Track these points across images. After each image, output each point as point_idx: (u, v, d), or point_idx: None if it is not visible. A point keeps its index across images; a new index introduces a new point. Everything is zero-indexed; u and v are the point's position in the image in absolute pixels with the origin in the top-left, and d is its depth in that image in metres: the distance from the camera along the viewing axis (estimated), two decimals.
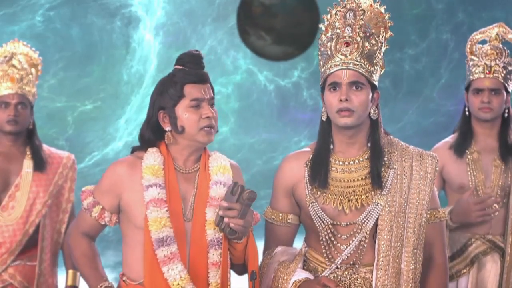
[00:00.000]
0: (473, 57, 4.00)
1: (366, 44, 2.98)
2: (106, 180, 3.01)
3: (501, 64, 3.93)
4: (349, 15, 3.01)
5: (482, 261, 3.95)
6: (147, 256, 2.91)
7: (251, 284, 2.88)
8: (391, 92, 9.18)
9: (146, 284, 2.91)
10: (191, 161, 3.03)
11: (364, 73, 2.97)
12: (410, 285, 3.00)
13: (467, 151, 3.98)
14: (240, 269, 3.08)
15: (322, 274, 3.02)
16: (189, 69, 2.98)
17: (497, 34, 4.03)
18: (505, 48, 3.99)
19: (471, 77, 3.97)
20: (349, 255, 3.02)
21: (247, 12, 8.70)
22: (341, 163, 3.05)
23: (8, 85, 4.06)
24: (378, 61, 3.02)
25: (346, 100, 2.95)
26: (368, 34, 3.00)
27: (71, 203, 4.25)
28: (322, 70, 3.04)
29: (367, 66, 2.98)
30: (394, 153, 3.08)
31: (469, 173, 3.96)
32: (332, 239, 3.03)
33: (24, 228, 4.08)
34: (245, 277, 3.03)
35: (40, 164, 4.12)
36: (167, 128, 2.98)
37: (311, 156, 3.09)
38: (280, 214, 3.14)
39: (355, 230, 3.02)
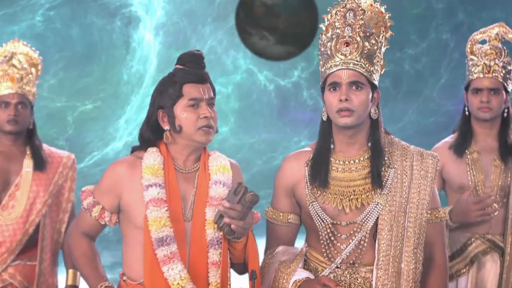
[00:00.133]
0: (472, 57, 4.00)
1: (366, 44, 2.98)
2: (106, 180, 3.01)
3: (501, 64, 3.93)
4: (349, 15, 3.01)
5: (481, 260, 3.95)
6: (147, 256, 2.91)
7: (251, 284, 2.88)
8: (391, 92, 9.19)
9: (146, 284, 2.91)
10: (190, 161, 3.03)
11: (364, 73, 2.97)
12: (410, 284, 3.00)
13: (466, 151, 3.98)
14: (241, 269, 3.08)
15: (322, 274, 3.02)
16: (189, 69, 2.98)
17: (497, 34, 4.03)
18: (504, 48, 3.99)
19: (470, 76, 3.98)
20: (349, 254, 3.02)
21: (247, 12, 8.70)
22: (341, 162, 3.06)
23: (8, 85, 4.06)
24: (378, 61, 3.02)
25: (346, 100, 2.94)
26: (368, 34, 3.00)
27: (71, 202, 4.25)
28: (322, 70, 3.04)
29: (367, 66, 2.98)
30: (394, 152, 3.08)
31: (469, 173, 3.96)
32: (332, 238, 3.03)
33: (24, 227, 4.09)
34: (245, 277, 3.03)
35: (40, 163, 4.12)
36: (166, 127, 2.99)
37: (311, 155, 3.09)
38: (281, 214, 3.14)
39: (355, 229, 3.02)
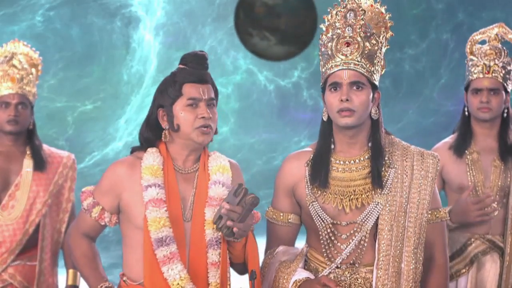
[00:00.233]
0: (472, 57, 4.00)
1: (367, 44, 2.98)
2: (106, 180, 3.02)
3: (500, 64, 3.93)
4: (350, 15, 3.01)
5: (481, 260, 3.95)
6: (147, 256, 2.91)
7: (251, 284, 2.88)
8: (391, 92, 9.19)
9: (146, 284, 2.92)
10: (190, 161, 3.04)
11: (365, 73, 2.97)
12: (411, 284, 3.00)
13: (466, 151, 3.98)
14: (241, 269, 3.08)
15: (322, 274, 3.02)
16: (191, 69, 2.99)
17: (496, 34, 4.03)
18: (504, 48, 3.99)
19: (470, 77, 3.98)
20: (349, 254, 3.02)
21: (247, 12, 8.70)
22: (341, 162, 3.06)
23: (9, 85, 4.06)
24: (378, 61, 3.02)
25: (347, 100, 2.95)
26: (368, 34, 3.00)
27: (71, 202, 4.25)
28: (323, 70, 3.04)
29: (367, 66, 2.98)
30: (395, 152, 3.08)
31: (468, 173, 3.96)
32: (332, 238, 3.03)
33: (24, 227, 4.09)
34: (245, 277, 3.03)
35: (40, 163, 4.12)
36: (165, 125, 2.99)
37: (311, 155, 3.09)
38: (281, 214, 3.14)
39: (355, 229, 3.02)
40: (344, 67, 2.97)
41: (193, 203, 3.00)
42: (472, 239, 3.96)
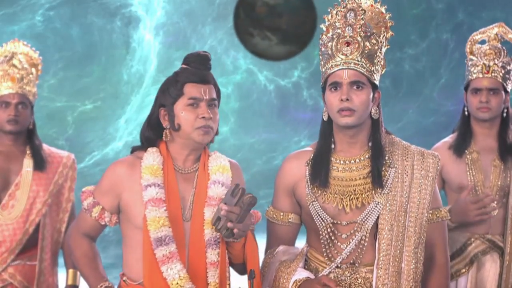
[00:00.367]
0: (472, 57, 4.00)
1: (367, 43, 2.99)
2: (106, 180, 3.02)
3: (500, 64, 3.93)
4: (350, 15, 3.01)
5: (481, 260, 3.95)
6: (146, 256, 2.91)
7: (249, 283, 2.88)
8: (391, 92, 9.19)
9: (145, 283, 2.92)
10: (190, 161, 3.04)
11: (365, 73, 2.97)
12: (411, 284, 3.00)
13: (466, 151, 3.98)
14: (241, 269, 3.08)
15: (322, 273, 3.02)
16: (193, 69, 2.99)
17: (496, 34, 4.03)
18: (504, 48, 3.98)
19: (469, 77, 3.98)
20: (349, 254, 3.02)
21: (248, 13, 8.70)
22: (342, 162, 3.06)
23: (9, 85, 4.07)
24: (379, 61, 3.02)
25: (347, 99, 2.95)
26: (368, 33, 3.00)
27: (71, 202, 4.25)
28: (323, 70, 3.04)
29: (368, 65, 2.98)
30: (395, 152, 3.08)
31: (468, 173, 3.96)
32: (333, 238, 3.03)
33: (24, 227, 4.09)
34: (245, 277, 3.02)
35: (40, 163, 4.13)
36: (166, 125, 2.99)
37: (312, 155, 3.09)
38: (282, 214, 3.14)
39: (355, 229, 3.02)
40: (344, 67, 2.97)
41: (193, 203, 3.00)
42: (472, 239, 3.96)
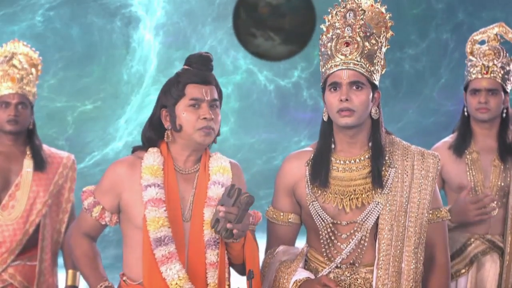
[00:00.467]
0: (471, 57, 4.00)
1: (366, 44, 2.99)
2: (106, 180, 3.02)
3: (499, 65, 3.93)
4: (349, 15, 3.01)
5: (481, 261, 3.95)
6: (146, 256, 2.91)
7: (248, 283, 2.88)
8: (391, 92, 9.19)
9: (145, 283, 2.92)
10: (191, 162, 3.04)
11: (364, 73, 2.97)
12: (411, 284, 3.00)
13: (466, 151, 3.98)
14: (241, 269, 3.08)
15: (322, 273, 3.02)
16: (194, 70, 2.99)
17: (496, 34, 4.03)
18: (503, 48, 3.98)
19: (468, 77, 3.98)
20: (349, 254, 3.02)
21: (250, 13, 8.69)
22: (342, 162, 3.06)
23: (9, 85, 4.07)
24: (378, 61, 3.02)
25: (347, 100, 2.95)
26: (368, 34, 3.00)
27: (71, 203, 4.26)
28: (323, 70, 3.04)
29: (367, 66, 2.98)
30: (395, 152, 3.08)
31: (468, 173, 3.96)
32: (332, 238, 3.03)
33: (24, 227, 4.09)
34: (245, 277, 3.02)
35: (40, 163, 4.13)
36: (167, 125, 2.99)
37: (312, 155, 3.09)
38: (282, 214, 3.15)
39: (355, 229, 3.02)
40: (344, 67, 2.97)
41: (193, 203, 3.00)
42: (472, 239, 3.96)
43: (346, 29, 3.00)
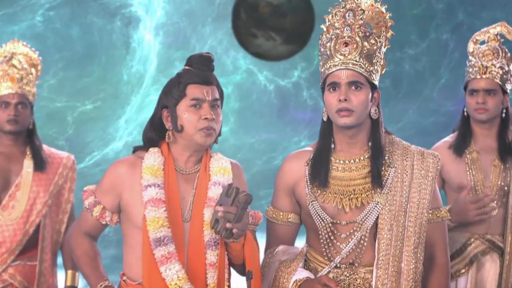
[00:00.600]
0: (471, 57, 4.00)
1: (365, 43, 2.98)
2: (107, 179, 3.02)
3: (498, 65, 3.93)
4: (349, 15, 3.01)
5: (481, 261, 3.95)
6: (145, 256, 2.91)
7: (248, 284, 2.88)
8: (391, 92, 9.18)
9: (144, 283, 2.92)
10: (191, 162, 3.04)
11: (363, 73, 2.97)
12: (411, 284, 3.00)
13: (466, 150, 3.98)
14: (242, 269, 3.08)
15: (321, 273, 3.02)
16: (195, 70, 2.99)
17: (496, 34, 4.02)
18: (503, 48, 3.98)
19: (467, 77, 3.98)
20: (348, 253, 3.02)
21: (250, 13, 8.69)
22: (341, 162, 3.06)
23: (8, 85, 4.07)
24: (378, 61, 3.02)
25: (345, 100, 2.95)
26: (367, 34, 3.00)
27: (70, 203, 4.26)
28: (322, 70, 3.04)
29: (366, 65, 2.98)
30: (395, 152, 3.09)
31: (468, 173, 3.96)
32: (332, 237, 3.03)
33: (24, 227, 4.09)
34: (245, 277, 3.02)
35: (40, 164, 4.13)
36: (168, 126, 2.99)
37: (312, 155, 3.09)
38: (281, 213, 3.15)
39: (355, 228, 3.02)
40: (343, 67, 2.97)
41: (193, 203, 3.00)
42: (472, 239, 3.96)
43: (345, 29, 3.00)
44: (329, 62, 3.00)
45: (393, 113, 8.94)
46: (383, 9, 3.10)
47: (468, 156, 3.98)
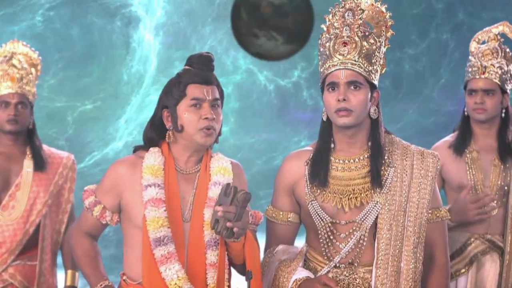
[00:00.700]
0: (471, 57, 4.00)
1: (365, 43, 2.98)
2: (107, 179, 3.02)
3: (497, 65, 3.92)
4: (348, 15, 3.01)
5: (481, 260, 3.95)
6: (145, 256, 2.91)
7: (248, 284, 2.88)
8: (391, 92, 9.19)
9: (144, 283, 2.92)
10: (192, 162, 3.04)
11: (362, 73, 2.97)
12: (410, 284, 3.00)
13: (466, 150, 3.98)
14: (242, 269, 3.08)
15: (320, 272, 3.02)
16: (195, 70, 3.00)
17: (496, 34, 4.02)
18: (503, 48, 3.98)
19: (466, 77, 3.98)
20: (348, 253, 3.02)
21: (251, 13, 8.69)
22: (341, 161, 3.06)
23: (8, 85, 4.07)
24: (377, 61, 3.02)
25: (344, 100, 2.95)
26: (367, 33, 3.00)
27: (70, 203, 4.26)
28: (321, 70, 3.04)
29: (365, 65, 2.98)
30: (395, 151, 3.09)
31: (468, 172, 3.96)
32: (331, 237, 3.03)
33: (24, 227, 4.09)
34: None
35: (40, 164, 4.13)
36: (169, 126, 2.99)
37: (311, 155, 3.09)
38: (281, 213, 3.15)
39: (354, 228, 3.02)
40: (341, 67, 2.97)
41: (193, 203, 3.00)
42: (472, 239, 3.96)
43: (344, 29, 3.00)
44: (328, 62, 3.00)
45: (393, 113, 8.94)
46: (383, 9, 3.09)
47: (468, 155, 3.98)
